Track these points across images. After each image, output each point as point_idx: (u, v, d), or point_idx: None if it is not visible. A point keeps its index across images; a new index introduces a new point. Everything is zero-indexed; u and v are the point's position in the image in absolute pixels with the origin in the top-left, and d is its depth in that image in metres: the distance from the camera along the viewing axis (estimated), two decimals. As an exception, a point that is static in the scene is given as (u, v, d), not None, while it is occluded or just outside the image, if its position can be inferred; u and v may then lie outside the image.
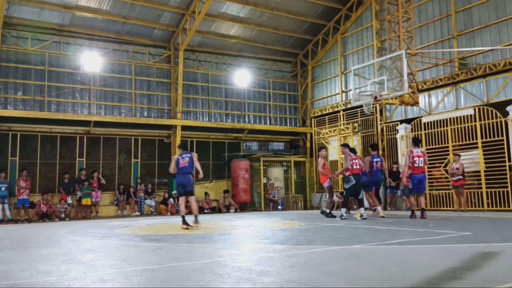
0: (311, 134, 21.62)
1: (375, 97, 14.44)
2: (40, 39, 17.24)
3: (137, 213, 17.47)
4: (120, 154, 18.73)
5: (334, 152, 19.97)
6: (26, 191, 15.23)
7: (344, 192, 11.45)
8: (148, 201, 18.07)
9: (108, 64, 18.39)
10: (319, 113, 21.47)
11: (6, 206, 15.02)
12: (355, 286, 3.36)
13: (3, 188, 14.96)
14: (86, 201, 16.35)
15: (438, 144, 15.52)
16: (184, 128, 19.09)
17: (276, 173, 20.48)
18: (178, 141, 18.63)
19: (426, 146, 15.90)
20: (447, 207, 15.09)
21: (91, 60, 17.81)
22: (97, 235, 8.53)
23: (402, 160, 16.52)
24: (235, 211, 18.58)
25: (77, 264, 4.79)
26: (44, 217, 15.36)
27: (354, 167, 11.10)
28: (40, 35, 17.22)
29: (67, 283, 3.70)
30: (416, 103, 15.24)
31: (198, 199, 18.65)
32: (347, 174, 11.11)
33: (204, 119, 20.34)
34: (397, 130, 17.11)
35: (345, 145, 11.93)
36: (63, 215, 15.73)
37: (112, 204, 17.72)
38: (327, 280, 3.60)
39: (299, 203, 20.16)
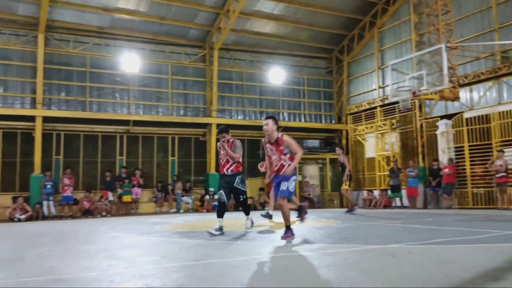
0: (347, 131, 21.35)
1: (414, 93, 14.12)
2: (82, 41, 17.82)
3: (175, 210, 17.80)
4: (158, 152, 19.13)
5: (371, 149, 19.64)
6: (70, 188, 15.86)
7: (245, 196, 8.07)
8: (185, 198, 18.36)
9: (146, 65, 18.79)
10: (355, 110, 21.17)
11: (51, 203, 15.67)
12: (395, 286, 3.30)
13: (48, 186, 15.61)
14: (126, 198, 16.84)
15: (481, 141, 15.00)
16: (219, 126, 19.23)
17: (311, 171, 20.35)
18: (213, 139, 18.80)
19: (468, 142, 15.42)
20: (489, 205, 14.57)
21: (129, 61, 18.24)
22: (137, 232, 8.75)
23: (442, 157, 16.08)
24: (271, 208, 18.56)
25: (118, 260, 4.93)
26: (87, 213, 15.91)
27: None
28: (81, 38, 17.80)
29: (109, 278, 3.82)
30: (456, 98, 14.79)
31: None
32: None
33: (239, 117, 20.46)
34: (437, 126, 16.64)
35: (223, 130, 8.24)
36: (104, 212, 16.26)
37: (151, 201, 18.13)
38: (365, 279, 3.55)
39: (335, 201, 19.96)
